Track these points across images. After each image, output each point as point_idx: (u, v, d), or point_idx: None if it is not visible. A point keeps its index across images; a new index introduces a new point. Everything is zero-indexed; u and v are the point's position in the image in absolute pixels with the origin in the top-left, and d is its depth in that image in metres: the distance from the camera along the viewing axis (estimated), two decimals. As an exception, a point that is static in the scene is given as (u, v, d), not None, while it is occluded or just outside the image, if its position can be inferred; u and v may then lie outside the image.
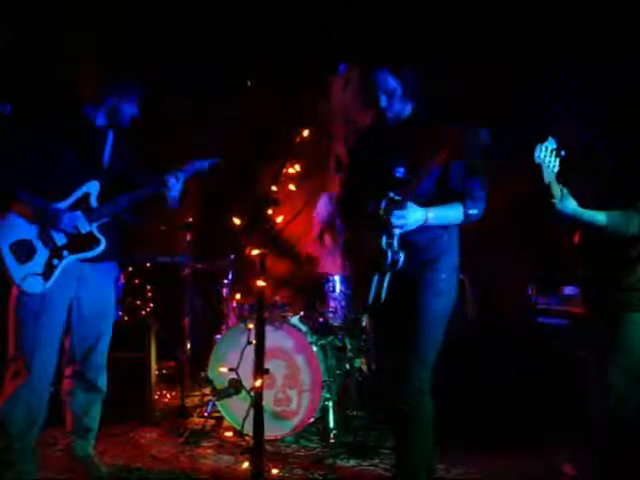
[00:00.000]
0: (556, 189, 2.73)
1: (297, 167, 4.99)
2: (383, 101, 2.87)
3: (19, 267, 3.05)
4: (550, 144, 2.70)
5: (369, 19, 4.92)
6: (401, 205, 2.75)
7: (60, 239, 3.13)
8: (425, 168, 2.74)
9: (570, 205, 2.78)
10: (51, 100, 3.41)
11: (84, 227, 3.15)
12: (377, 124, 3.02)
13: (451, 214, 2.89)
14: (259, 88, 5.33)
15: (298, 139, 4.43)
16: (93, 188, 3.19)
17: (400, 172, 2.86)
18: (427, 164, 2.73)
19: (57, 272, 3.10)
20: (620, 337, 2.85)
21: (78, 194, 3.16)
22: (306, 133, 4.55)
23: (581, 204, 2.79)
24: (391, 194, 2.78)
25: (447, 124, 2.82)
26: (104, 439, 3.86)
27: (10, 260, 3.04)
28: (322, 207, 5.06)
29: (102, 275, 3.29)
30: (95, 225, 3.18)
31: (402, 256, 2.80)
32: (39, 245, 3.09)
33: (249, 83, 5.38)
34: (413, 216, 2.78)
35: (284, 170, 4.55)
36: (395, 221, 2.75)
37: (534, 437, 3.85)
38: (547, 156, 2.69)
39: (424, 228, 2.83)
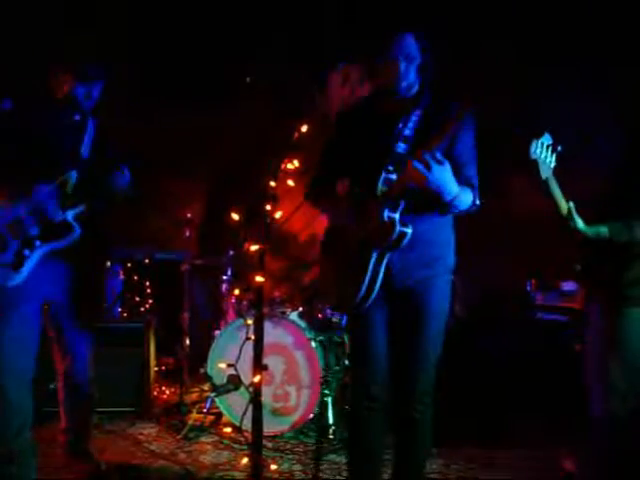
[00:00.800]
0: (563, 206, 2.73)
1: (296, 163, 4.98)
2: (402, 66, 2.66)
3: None
4: (546, 139, 2.68)
5: (370, 20, 4.91)
6: (438, 160, 2.45)
7: (33, 229, 3.04)
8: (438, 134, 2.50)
9: (578, 224, 2.76)
10: (41, 95, 3.38)
11: (58, 215, 3.08)
12: (383, 93, 2.77)
13: (465, 199, 2.61)
14: (258, 85, 5.33)
15: (297, 135, 4.42)
16: (71, 177, 3.13)
17: (401, 147, 2.63)
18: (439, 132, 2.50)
19: (28, 263, 3.00)
20: (620, 333, 2.83)
21: (57, 183, 3.10)
22: (305, 128, 4.55)
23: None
24: (390, 168, 2.58)
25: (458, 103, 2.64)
26: (103, 435, 3.87)
27: None
28: None
29: (82, 273, 3.23)
30: (70, 214, 3.10)
31: (410, 231, 2.54)
32: (9, 236, 3.00)
33: (248, 80, 5.37)
34: (449, 177, 2.48)
35: (283, 166, 4.54)
36: (426, 174, 2.43)
37: (534, 433, 3.86)
38: (543, 152, 2.68)
39: (423, 214, 2.62)
